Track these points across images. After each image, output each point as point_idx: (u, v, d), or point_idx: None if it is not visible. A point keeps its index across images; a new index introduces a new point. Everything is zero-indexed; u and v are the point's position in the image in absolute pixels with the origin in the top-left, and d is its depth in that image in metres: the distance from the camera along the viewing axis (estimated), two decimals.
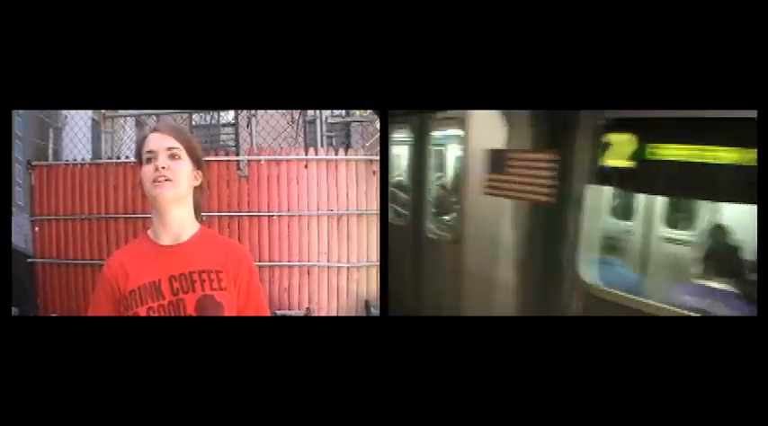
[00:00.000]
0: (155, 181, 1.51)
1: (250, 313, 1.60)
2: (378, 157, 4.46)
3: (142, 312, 1.50)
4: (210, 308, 1.52)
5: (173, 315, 1.51)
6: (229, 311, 1.54)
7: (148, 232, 1.60)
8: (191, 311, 1.51)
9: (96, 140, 6.36)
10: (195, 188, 1.61)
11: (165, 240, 1.57)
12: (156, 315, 1.50)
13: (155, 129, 1.57)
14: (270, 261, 4.44)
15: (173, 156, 1.54)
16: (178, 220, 1.57)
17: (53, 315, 4.70)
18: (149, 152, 1.53)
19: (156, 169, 1.51)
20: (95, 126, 6.39)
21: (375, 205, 4.49)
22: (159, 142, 1.54)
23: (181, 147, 1.55)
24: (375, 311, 4.36)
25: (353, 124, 5.96)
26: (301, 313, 4.40)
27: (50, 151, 5.10)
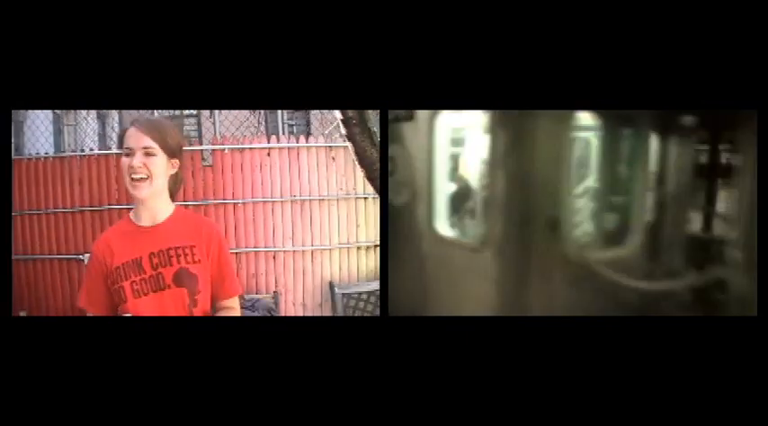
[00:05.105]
0: (131, 179, 1.70)
1: (222, 282, 1.79)
2: (337, 144, 4.64)
3: (126, 285, 1.70)
4: (186, 279, 1.71)
5: (153, 287, 1.71)
6: (204, 281, 1.74)
7: (130, 214, 1.79)
8: (169, 283, 1.70)
9: (58, 133, 6.32)
10: (171, 175, 1.77)
11: (145, 222, 1.76)
12: (139, 287, 1.70)
13: (133, 124, 1.73)
14: (237, 248, 4.58)
15: (148, 154, 1.70)
16: (154, 207, 1.76)
17: (21, 313, 4.58)
18: (128, 148, 1.70)
19: (131, 167, 1.69)
20: (57, 119, 6.34)
21: (335, 190, 4.70)
22: (137, 141, 1.70)
23: (155, 146, 1.70)
24: (339, 291, 4.58)
25: (313, 112, 6.08)
26: (269, 296, 4.57)
27: (12, 145, 5.06)
